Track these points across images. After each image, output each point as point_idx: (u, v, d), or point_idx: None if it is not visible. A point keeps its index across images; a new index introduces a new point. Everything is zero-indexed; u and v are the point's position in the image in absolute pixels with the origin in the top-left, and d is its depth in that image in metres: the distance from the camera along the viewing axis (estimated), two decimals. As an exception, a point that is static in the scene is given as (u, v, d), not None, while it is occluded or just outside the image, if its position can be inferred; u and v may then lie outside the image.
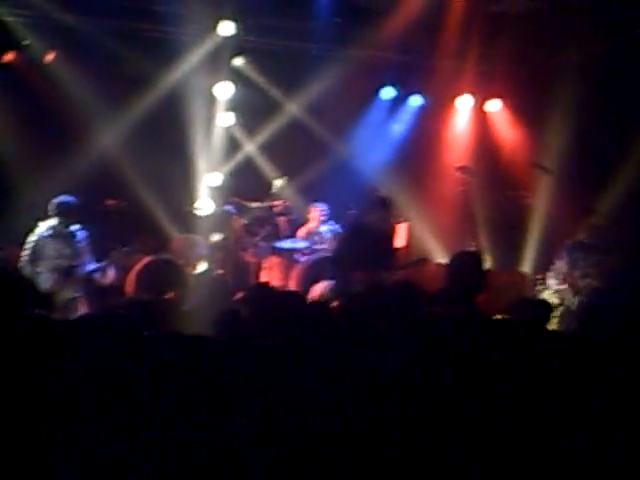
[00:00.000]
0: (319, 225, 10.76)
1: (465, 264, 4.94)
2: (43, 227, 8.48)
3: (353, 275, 8.42)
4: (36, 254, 8.37)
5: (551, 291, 9.43)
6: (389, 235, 9.01)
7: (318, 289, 8.78)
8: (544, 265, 9.91)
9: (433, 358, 3.91)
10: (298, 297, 5.76)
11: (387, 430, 3.48)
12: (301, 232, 10.71)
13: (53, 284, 8.31)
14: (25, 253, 8.40)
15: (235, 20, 10.76)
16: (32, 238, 8.42)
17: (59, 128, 10.27)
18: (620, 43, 10.54)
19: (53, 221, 8.48)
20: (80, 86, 10.25)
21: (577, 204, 10.23)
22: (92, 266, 8.63)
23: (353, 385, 3.66)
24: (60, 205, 8.48)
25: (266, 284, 7.78)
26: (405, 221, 10.84)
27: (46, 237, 8.43)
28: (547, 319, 6.07)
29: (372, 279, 8.22)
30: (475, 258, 5.12)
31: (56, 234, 8.47)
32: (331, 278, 8.69)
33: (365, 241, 8.54)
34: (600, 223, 9.76)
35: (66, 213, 8.48)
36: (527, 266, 11.30)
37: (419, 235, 11.54)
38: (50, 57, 10.42)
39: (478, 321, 4.49)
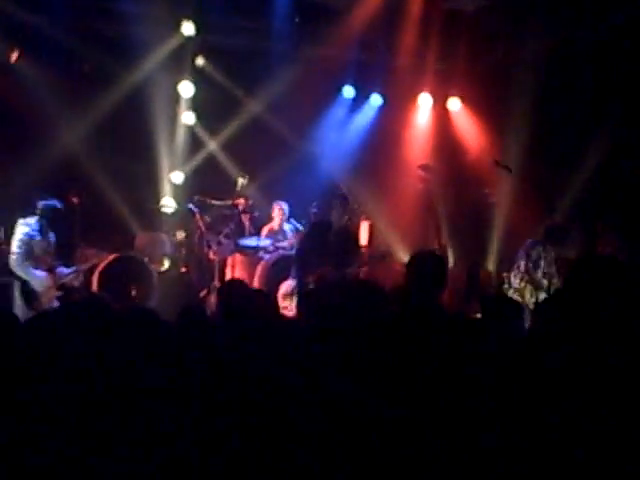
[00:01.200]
0: (282, 223, 10.80)
1: (425, 263, 4.90)
2: (30, 225, 8.71)
3: (316, 272, 8.62)
4: (28, 251, 8.63)
5: (512, 290, 9.57)
6: (351, 232, 9.16)
7: (284, 287, 8.88)
8: (507, 263, 10.08)
9: (389, 357, 3.95)
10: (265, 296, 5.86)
11: (350, 430, 3.48)
12: (264, 231, 10.74)
13: (44, 280, 8.62)
14: (17, 249, 8.61)
15: (196, 20, 10.80)
16: (22, 236, 8.64)
17: (22, 127, 10.25)
18: (576, 38, 10.67)
19: (38, 220, 8.75)
20: (43, 85, 10.20)
21: (538, 202, 10.39)
22: (66, 270, 8.97)
23: (312, 387, 3.69)
24: (50, 208, 8.82)
25: (238, 281, 7.84)
26: (367, 219, 11.00)
27: (35, 235, 8.70)
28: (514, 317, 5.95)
29: (334, 276, 8.44)
30: (435, 257, 5.13)
31: (43, 233, 8.78)
32: (294, 276, 8.87)
33: (327, 238, 8.77)
34: (559, 221, 9.93)
35: (53, 216, 8.82)
36: (490, 264, 11.44)
37: (381, 233, 11.62)
38: (14, 56, 10.36)
39: (436, 319, 4.52)
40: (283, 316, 6.62)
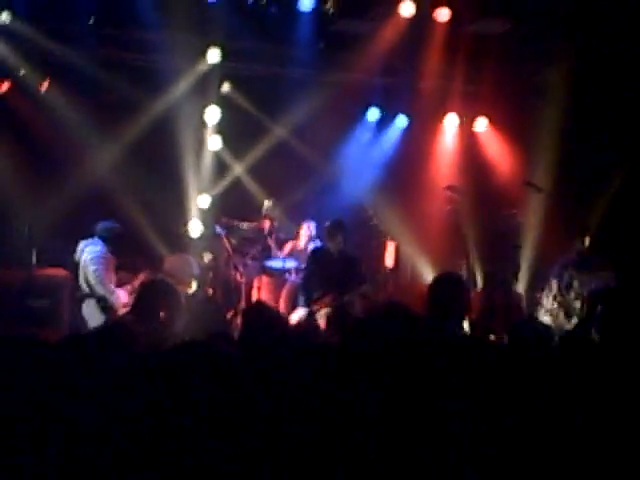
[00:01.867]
0: (307, 243, 10.83)
1: (446, 287, 4.93)
2: (98, 244, 8.82)
3: (321, 300, 8.86)
4: (106, 268, 8.76)
5: (544, 310, 9.48)
6: (350, 257, 9.23)
7: (294, 317, 8.98)
8: (538, 284, 10.03)
9: (412, 384, 3.96)
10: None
11: (371, 461, 3.46)
12: (286, 247, 10.81)
13: (123, 297, 8.76)
14: (96, 266, 8.68)
15: (221, 47, 10.99)
16: (96, 254, 8.71)
17: (52, 155, 10.46)
18: (603, 57, 10.69)
19: (101, 240, 8.83)
20: (73, 114, 10.46)
21: (568, 222, 10.32)
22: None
23: (335, 414, 3.63)
24: (109, 228, 8.92)
25: (262, 303, 7.92)
26: (393, 241, 11.00)
27: (106, 254, 8.81)
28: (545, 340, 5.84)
29: (337, 301, 8.70)
30: (456, 280, 5.13)
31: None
32: (301, 306, 9.03)
33: (332, 266, 8.97)
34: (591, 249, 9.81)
35: (112, 236, 8.89)
36: (521, 286, 11.35)
37: (408, 255, 11.62)
38: (44, 86, 10.62)
39: (457, 344, 4.51)
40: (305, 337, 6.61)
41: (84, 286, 8.76)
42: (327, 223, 9.32)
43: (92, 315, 8.64)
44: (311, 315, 8.81)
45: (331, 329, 7.89)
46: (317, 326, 8.30)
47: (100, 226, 8.90)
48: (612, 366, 4.00)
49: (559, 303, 9.50)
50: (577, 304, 9.58)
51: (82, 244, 8.85)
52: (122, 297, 8.79)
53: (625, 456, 3.44)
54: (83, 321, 8.75)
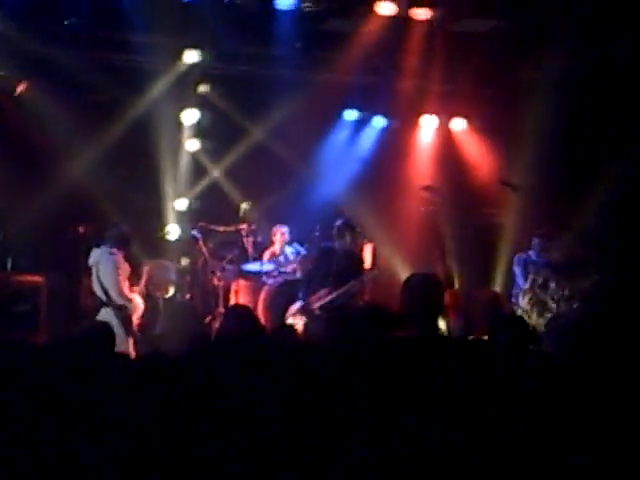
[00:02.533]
0: (283, 247, 10.87)
1: (418, 286, 4.87)
2: (113, 253, 8.70)
3: (317, 294, 8.87)
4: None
5: (520, 310, 9.53)
6: (356, 256, 9.30)
7: (292, 307, 9.05)
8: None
9: (393, 383, 3.99)
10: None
11: (355, 456, 3.51)
12: (265, 255, 10.82)
13: (141, 304, 8.83)
14: (117, 276, 8.58)
15: (199, 48, 10.93)
16: (115, 263, 8.58)
17: (31, 156, 10.45)
18: (582, 58, 10.70)
19: (115, 247, 8.70)
20: (50, 115, 10.40)
21: (548, 221, 10.37)
22: None
23: (318, 412, 3.71)
24: (121, 233, 8.84)
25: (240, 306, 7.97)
26: (370, 242, 11.02)
27: (121, 262, 8.71)
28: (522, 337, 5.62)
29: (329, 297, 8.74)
30: (429, 279, 5.02)
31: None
32: (299, 299, 9.04)
33: (332, 263, 8.95)
34: (570, 242, 9.89)
35: (125, 241, 8.81)
36: (498, 285, 11.40)
37: (386, 256, 11.63)
38: (22, 87, 10.56)
39: (433, 343, 4.51)
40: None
41: (100, 293, 8.64)
42: (338, 222, 9.27)
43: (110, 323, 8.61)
44: (306, 308, 8.87)
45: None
46: (294, 330, 8.35)
47: (112, 232, 8.80)
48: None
49: (534, 303, 9.57)
50: (552, 304, 9.66)
51: (95, 251, 8.73)
52: (139, 304, 8.79)
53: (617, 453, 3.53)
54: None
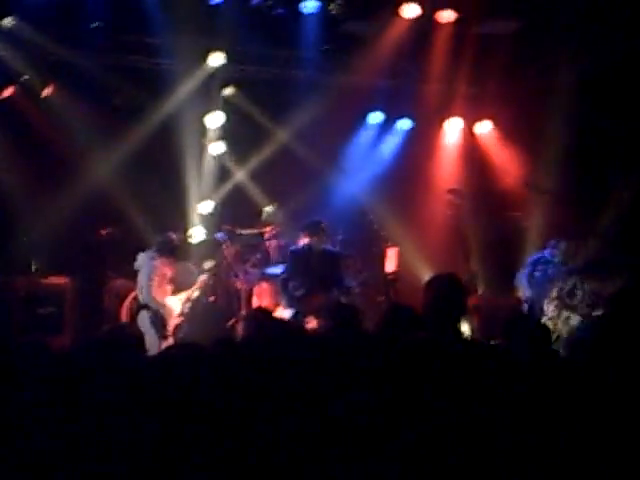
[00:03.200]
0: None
1: (441, 286, 4.85)
2: (153, 259, 9.17)
3: (307, 299, 8.91)
4: (159, 281, 9.11)
5: (545, 318, 9.43)
6: (332, 257, 9.25)
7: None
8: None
9: (408, 384, 3.96)
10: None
11: (378, 456, 3.51)
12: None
13: (177, 310, 9.24)
14: (150, 281, 9.02)
15: (224, 51, 10.95)
16: (152, 268, 9.03)
17: (55, 159, 10.51)
18: (610, 60, 10.61)
19: (158, 252, 9.18)
20: (76, 118, 10.47)
21: (575, 224, 10.27)
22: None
23: (340, 417, 3.69)
24: (167, 240, 9.32)
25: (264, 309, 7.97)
26: (395, 245, 10.98)
27: (159, 268, 9.12)
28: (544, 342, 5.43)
29: (324, 301, 8.69)
30: (452, 280, 5.00)
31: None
32: (286, 305, 9.15)
33: (307, 264, 9.03)
34: (598, 247, 9.78)
35: (170, 247, 9.29)
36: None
37: (410, 260, 11.60)
38: (48, 91, 10.64)
39: (453, 344, 4.48)
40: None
41: (140, 297, 9.09)
42: (306, 222, 9.31)
43: (143, 326, 8.87)
44: (298, 315, 8.84)
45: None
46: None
47: (158, 238, 9.29)
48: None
49: (559, 310, 9.47)
50: (578, 311, 9.55)
51: (141, 255, 9.18)
52: (174, 308, 9.11)
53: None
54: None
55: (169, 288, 9.19)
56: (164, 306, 9.01)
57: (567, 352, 7.62)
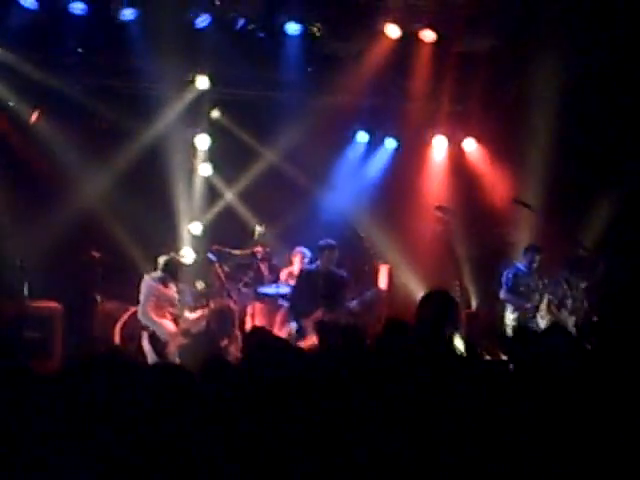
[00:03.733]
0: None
1: (435, 304, 4.89)
2: (154, 279, 9.40)
3: (311, 316, 8.97)
4: (156, 302, 9.29)
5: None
6: (335, 276, 9.34)
7: (284, 331, 9.28)
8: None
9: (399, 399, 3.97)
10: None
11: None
12: (283, 274, 10.76)
13: (172, 329, 9.31)
14: (144, 301, 9.23)
15: (210, 74, 10.99)
16: (148, 289, 9.24)
17: (44, 184, 10.57)
18: (590, 72, 10.76)
19: (161, 272, 9.42)
20: (63, 143, 10.54)
21: (560, 238, 10.34)
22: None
23: (344, 435, 3.69)
24: (170, 261, 9.53)
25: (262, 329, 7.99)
26: (385, 263, 11.01)
27: (156, 288, 9.34)
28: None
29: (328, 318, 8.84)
30: (444, 295, 5.08)
31: (167, 284, 9.47)
32: (291, 320, 9.31)
33: (315, 284, 9.16)
34: (585, 256, 9.86)
35: (174, 268, 9.55)
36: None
37: (401, 277, 11.60)
38: (34, 117, 10.63)
39: (446, 359, 4.56)
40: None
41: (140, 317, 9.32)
42: (319, 242, 9.44)
43: (146, 347, 9.14)
44: (300, 330, 8.98)
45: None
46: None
47: (160, 259, 9.46)
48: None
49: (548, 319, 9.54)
50: (571, 320, 9.62)
51: (144, 276, 9.38)
52: (167, 328, 9.16)
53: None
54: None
55: (171, 309, 9.29)
56: (161, 326, 9.06)
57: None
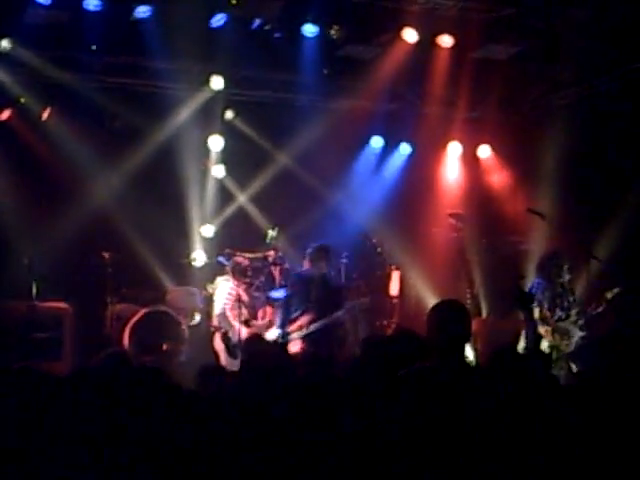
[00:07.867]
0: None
1: (445, 314, 4.77)
2: (226, 282, 9.75)
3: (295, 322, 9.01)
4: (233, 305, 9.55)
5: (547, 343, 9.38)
6: (329, 281, 9.29)
7: (269, 335, 9.15)
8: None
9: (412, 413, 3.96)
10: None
11: None
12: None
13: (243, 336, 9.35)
14: (223, 304, 9.57)
15: (225, 74, 10.92)
16: (228, 290, 9.60)
17: (55, 183, 10.46)
18: (609, 84, 10.70)
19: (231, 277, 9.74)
20: (75, 142, 10.44)
21: (573, 248, 10.26)
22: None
23: (345, 446, 3.69)
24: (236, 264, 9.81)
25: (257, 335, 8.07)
26: (397, 269, 10.93)
27: (231, 290, 9.66)
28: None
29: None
30: (456, 306, 4.98)
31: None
32: (277, 327, 9.24)
33: (312, 291, 9.06)
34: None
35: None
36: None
37: (413, 284, 11.54)
38: (46, 114, 10.56)
39: (458, 369, 4.49)
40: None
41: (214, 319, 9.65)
42: (310, 248, 9.28)
43: (218, 346, 9.43)
44: (285, 336, 8.93)
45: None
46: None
47: (230, 261, 9.80)
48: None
49: (551, 332, 9.44)
50: (576, 329, 9.52)
51: (217, 279, 9.78)
52: (242, 333, 9.29)
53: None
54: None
55: (245, 311, 9.46)
56: (233, 327, 9.31)
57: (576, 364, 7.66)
